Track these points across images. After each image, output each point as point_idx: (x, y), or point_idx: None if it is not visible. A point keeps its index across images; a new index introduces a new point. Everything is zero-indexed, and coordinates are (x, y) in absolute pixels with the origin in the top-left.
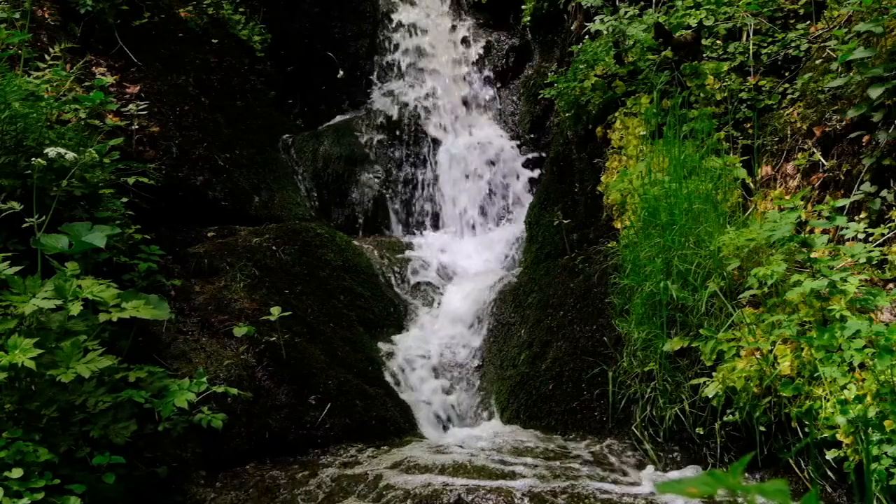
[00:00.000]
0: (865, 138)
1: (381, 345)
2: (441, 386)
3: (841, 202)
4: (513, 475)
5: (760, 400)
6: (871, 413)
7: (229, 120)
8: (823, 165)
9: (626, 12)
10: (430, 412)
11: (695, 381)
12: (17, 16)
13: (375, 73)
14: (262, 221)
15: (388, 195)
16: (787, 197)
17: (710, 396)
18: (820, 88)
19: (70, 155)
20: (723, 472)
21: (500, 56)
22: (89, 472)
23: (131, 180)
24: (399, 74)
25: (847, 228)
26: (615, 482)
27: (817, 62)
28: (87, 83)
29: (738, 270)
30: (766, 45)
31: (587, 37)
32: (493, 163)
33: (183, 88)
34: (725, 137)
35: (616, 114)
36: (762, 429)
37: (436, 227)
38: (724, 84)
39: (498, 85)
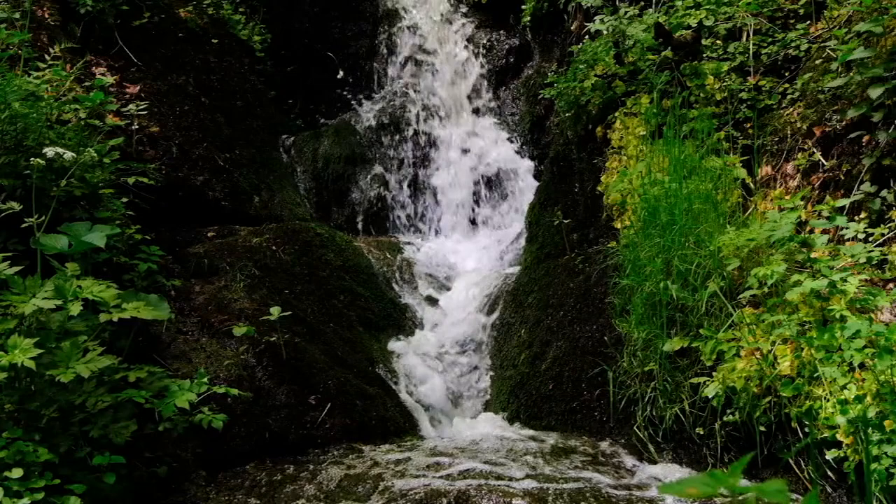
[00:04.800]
0: (865, 138)
1: (380, 345)
2: (440, 386)
3: (841, 202)
4: (513, 475)
5: (760, 400)
6: (871, 413)
7: (229, 120)
8: (823, 165)
9: (626, 12)
10: (430, 412)
11: (695, 381)
12: (17, 16)
13: (375, 73)
14: (262, 221)
15: (388, 195)
16: (787, 197)
17: (710, 396)
18: (820, 88)
19: (69, 155)
20: (723, 472)
21: (500, 56)
22: (89, 472)
23: (131, 180)
24: (399, 74)
25: (847, 228)
26: (615, 482)
27: (817, 62)
28: (87, 83)
29: (738, 270)
30: (766, 45)
31: (587, 37)
32: (492, 163)
33: (183, 88)
34: (725, 137)
35: (616, 114)
36: (762, 429)
37: (436, 227)
38: (724, 84)
39: (498, 85)
